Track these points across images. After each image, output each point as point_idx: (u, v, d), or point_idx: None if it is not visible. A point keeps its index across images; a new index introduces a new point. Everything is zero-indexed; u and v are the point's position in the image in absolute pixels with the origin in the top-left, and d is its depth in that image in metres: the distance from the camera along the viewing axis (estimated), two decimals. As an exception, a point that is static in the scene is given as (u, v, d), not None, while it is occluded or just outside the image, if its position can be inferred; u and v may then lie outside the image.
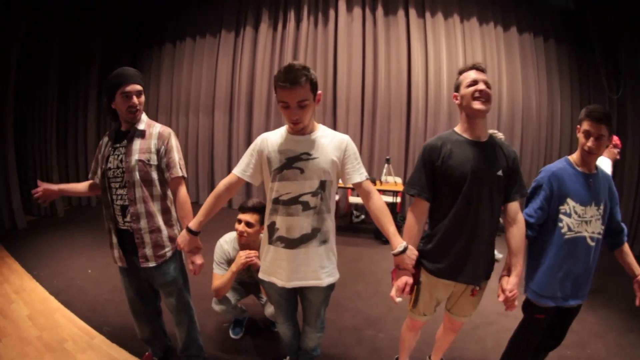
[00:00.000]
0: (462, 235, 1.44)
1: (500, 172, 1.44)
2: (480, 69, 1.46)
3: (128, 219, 1.60)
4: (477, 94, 1.40)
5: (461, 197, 1.42)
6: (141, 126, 1.64)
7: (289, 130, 1.47)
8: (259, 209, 2.01)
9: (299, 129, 1.42)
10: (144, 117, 1.67)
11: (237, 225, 2.00)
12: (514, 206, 1.50)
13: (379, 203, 1.47)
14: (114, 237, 1.65)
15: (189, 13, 5.93)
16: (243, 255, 1.95)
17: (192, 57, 5.94)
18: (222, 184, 1.54)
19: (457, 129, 1.52)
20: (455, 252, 1.46)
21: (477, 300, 1.61)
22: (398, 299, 1.43)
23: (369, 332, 2.40)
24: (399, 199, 4.75)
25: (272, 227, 1.48)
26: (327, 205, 1.47)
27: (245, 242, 2.00)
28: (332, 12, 5.36)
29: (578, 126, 1.57)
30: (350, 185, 1.53)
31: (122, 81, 1.55)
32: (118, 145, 1.63)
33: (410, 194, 1.52)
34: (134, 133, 1.62)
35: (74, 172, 5.65)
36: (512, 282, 1.46)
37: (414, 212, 1.50)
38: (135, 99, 1.58)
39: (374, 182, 4.79)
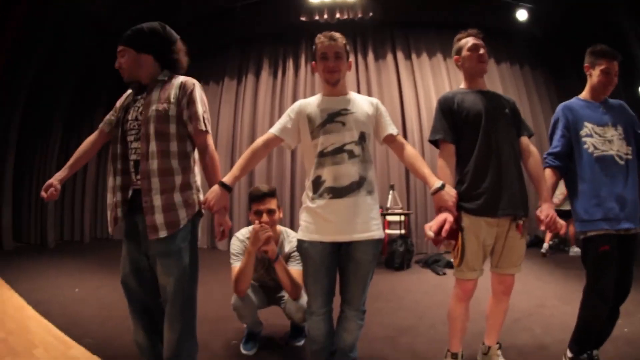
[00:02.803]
0: (491, 168, 1.51)
1: (507, 110, 1.60)
2: (478, 36, 1.64)
3: (139, 176, 1.42)
4: (481, 59, 1.60)
5: (481, 132, 1.53)
6: (162, 77, 1.54)
7: (324, 93, 1.58)
8: (275, 192, 1.88)
9: (335, 80, 1.52)
10: (166, 71, 1.57)
11: (254, 218, 1.80)
12: (524, 140, 1.64)
13: (413, 151, 1.57)
14: (119, 193, 1.45)
15: (192, 61, 6.25)
16: (258, 229, 1.70)
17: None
18: (260, 140, 1.55)
19: (462, 86, 1.69)
20: (488, 186, 1.50)
21: (523, 244, 1.57)
22: (429, 233, 1.38)
23: (405, 339, 2.18)
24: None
25: (317, 181, 1.48)
26: (370, 157, 1.52)
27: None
28: (327, 60, 5.77)
29: (587, 65, 1.71)
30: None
31: None
32: (139, 97, 1.53)
33: (436, 138, 1.60)
34: (154, 84, 1.52)
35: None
36: (544, 209, 1.51)
37: (442, 156, 1.58)
38: None
39: (381, 208, 4.67)
